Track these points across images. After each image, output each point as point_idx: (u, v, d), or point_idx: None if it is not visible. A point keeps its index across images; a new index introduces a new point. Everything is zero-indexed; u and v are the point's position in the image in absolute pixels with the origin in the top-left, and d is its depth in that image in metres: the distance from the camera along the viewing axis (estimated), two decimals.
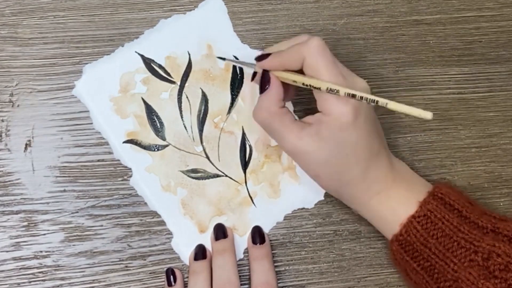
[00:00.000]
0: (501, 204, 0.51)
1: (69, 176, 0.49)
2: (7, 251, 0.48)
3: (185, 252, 0.49)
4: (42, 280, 0.48)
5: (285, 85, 0.44)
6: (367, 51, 0.52)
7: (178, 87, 0.50)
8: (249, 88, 0.50)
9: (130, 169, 0.49)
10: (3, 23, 0.50)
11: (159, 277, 0.48)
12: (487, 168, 0.52)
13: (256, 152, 0.50)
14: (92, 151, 0.49)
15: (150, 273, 0.48)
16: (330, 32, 0.51)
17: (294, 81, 0.43)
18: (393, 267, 0.50)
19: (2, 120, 0.49)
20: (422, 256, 0.43)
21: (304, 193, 0.50)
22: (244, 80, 0.50)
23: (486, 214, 0.43)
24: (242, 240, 0.49)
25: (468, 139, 0.52)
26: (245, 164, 0.50)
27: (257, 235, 0.49)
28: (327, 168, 0.43)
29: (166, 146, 0.49)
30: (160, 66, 0.50)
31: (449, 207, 0.43)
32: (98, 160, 0.49)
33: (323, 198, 0.50)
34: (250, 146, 0.50)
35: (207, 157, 0.50)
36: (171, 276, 0.47)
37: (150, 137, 0.49)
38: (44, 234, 0.48)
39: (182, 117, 0.50)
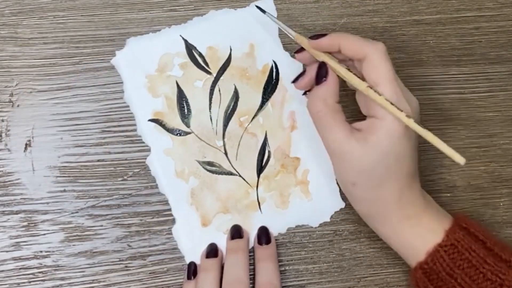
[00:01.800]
0: (501, 204, 0.51)
1: (69, 176, 0.49)
2: (7, 251, 0.48)
3: (183, 241, 0.49)
4: (42, 280, 0.48)
5: None
6: None
7: (213, 79, 0.50)
8: (281, 95, 0.50)
9: (131, 169, 0.49)
10: (3, 23, 0.50)
11: (159, 277, 0.48)
12: (487, 168, 0.52)
13: (274, 159, 0.50)
14: (92, 151, 0.49)
15: (150, 273, 0.48)
16: (330, 32, 0.51)
17: (352, 79, 0.43)
18: (393, 267, 0.50)
19: (2, 120, 0.49)
20: (446, 286, 0.42)
21: (312, 211, 0.50)
22: (278, 86, 0.50)
23: (507, 247, 0.43)
24: None
25: (468, 139, 0.52)
26: (260, 168, 0.50)
27: (264, 235, 0.49)
28: (367, 177, 0.42)
29: (189, 133, 0.49)
30: (200, 55, 0.50)
31: (474, 238, 0.43)
32: (98, 160, 0.49)
33: (328, 220, 0.50)
34: (269, 152, 0.50)
35: (226, 153, 0.50)
36: (192, 271, 0.48)
37: (176, 121, 0.49)
38: (44, 234, 0.48)
39: (210, 109, 0.50)
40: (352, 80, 0.43)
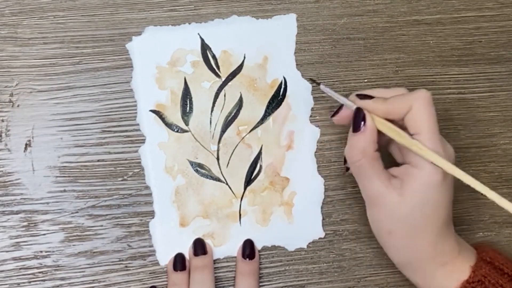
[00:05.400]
0: None
1: (69, 176, 0.49)
2: (7, 251, 0.48)
3: (158, 237, 0.48)
4: (42, 280, 0.48)
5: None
6: (367, 51, 0.52)
7: (220, 82, 0.50)
8: (285, 113, 0.50)
9: (131, 169, 0.49)
10: (3, 23, 0.49)
11: (159, 277, 0.48)
12: (487, 168, 0.52)
13: (264, 174, 0.50)
14: (92, 151, 0.49)
15: (150, 273, 0.48)
16: (330, 32, 0.52)
17: (394, 134, 0.42)
18: (393, 267, 0.50)
19: (2, 120, 0.49)
20: None
21: (290, 234, 0.49)
22: (283, 103, 0.50)
23: None
24: (215, 249, 0.49)
25: (468, 139, 0.52)
26: (249, 181, 0.50)
27: (248, 249, 0.48)
28: (403, 225, 0.42)
29: (186, 131, 0.49)
30: (213, 56, 0.50)
31: (500, 272, 0.43)
32: (98, 160, 0.49)
33: (305, 247, 0.50)
34: (260, 166, 0.50)
35: (217, 159, 0.49)
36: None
37: (175, 117, 0.49)
38: (44, 234, 0.48)
39: (212, 112, 0.50)
40: (396, 132, 0.42)
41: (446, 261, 0.43)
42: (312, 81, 0.49)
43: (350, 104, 0.44)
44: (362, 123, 0.42)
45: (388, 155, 0.45)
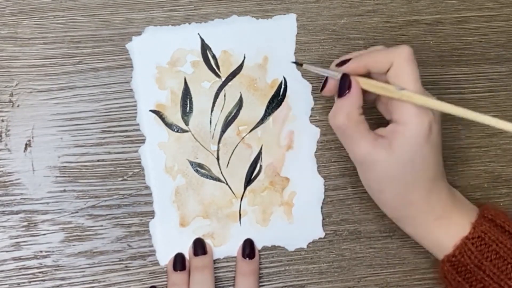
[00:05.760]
0: (501, 204, 0.51)
1: (69, 176, 0.49)
2: (7, 251, 0.48)
3: (158, 237, 0.48)
4: (42, 280, 0.48)
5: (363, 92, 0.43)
6: None
7: (220, 82, 0.50)
8: (285, 113, 0.50)
9: (131, 169, 0.49)
10: (3, 23, 0.49)
11: (159, 277, 0.48)
12: (487, 168, 0.52)
13: (264, 174, 0.50)
14: (92, 151, 0.49)
15: (150, 273, 0.48)
16: (330, 32, 0.51)
17: (382, 90, 0.42)
18: (393, 267, 0.50)
19: (2, 120, 0.49)
20: (475, 277, 0.42)
21: (290, 234, 0.49)
22: (283, 103, 0.50)
23: None
24: (215, 249, 0.49)
25: (468, 139, 0.52)
26: (249, 181, 0.50)
27: (248, 249, 0.48)
28: (394, 183, 0.42)
29: (186, 131, 0.49)
30: (213, 57, 0.50)
31: (500, 229, 0.43)
32: (98, 160, 0.49)
33: (305, 247, 0.50)
34: (260, 166, 0.50)
35: (217, 159, 0.49)
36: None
37: (175, 117, 0.49)
38: (44, 234, 0.48)
39: (212, 111, 0.50)
40: (383, 88, 0.42)
41: (441, 215, 0.43)
42: (295, 63, 0.49)
43: (335, 74, 0.44)
44: (347, 87, 0.43)
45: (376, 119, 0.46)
